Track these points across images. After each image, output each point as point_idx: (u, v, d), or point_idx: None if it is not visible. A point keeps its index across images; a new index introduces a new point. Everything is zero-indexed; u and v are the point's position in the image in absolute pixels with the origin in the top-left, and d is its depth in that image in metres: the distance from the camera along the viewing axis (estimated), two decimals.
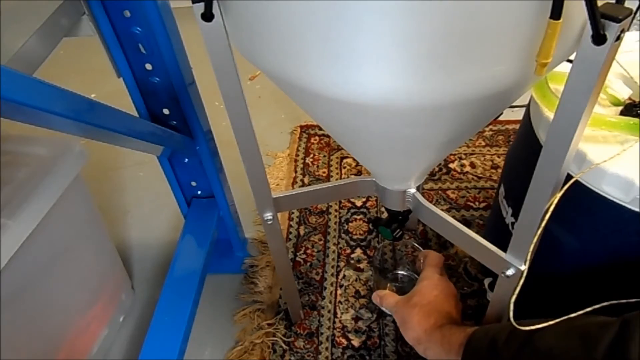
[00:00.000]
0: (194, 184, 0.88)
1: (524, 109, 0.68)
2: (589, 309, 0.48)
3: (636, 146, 0.54)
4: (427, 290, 0.66)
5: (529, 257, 0.50)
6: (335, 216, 1.05)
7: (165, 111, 0.75)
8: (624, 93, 0.58)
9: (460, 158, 1.15)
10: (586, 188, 0.54)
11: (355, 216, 1.04)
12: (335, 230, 1.02)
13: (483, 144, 1.18)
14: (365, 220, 1.04)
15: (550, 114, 0.57)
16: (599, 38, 0.32)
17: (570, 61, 0.36)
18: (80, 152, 0.71)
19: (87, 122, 0.55)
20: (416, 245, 0.81)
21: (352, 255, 0.97)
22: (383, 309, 0.73)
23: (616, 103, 0.59)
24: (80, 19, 0.62)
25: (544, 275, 0.62)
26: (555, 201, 0.45)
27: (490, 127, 1.22)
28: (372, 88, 0.37)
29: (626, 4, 0.33)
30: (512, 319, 0.48)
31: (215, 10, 0.40)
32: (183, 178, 0.87)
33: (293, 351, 0.83)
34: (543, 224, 0.46)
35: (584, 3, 0.31)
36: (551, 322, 0.47)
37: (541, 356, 0.46)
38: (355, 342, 0.84)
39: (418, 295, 0.65)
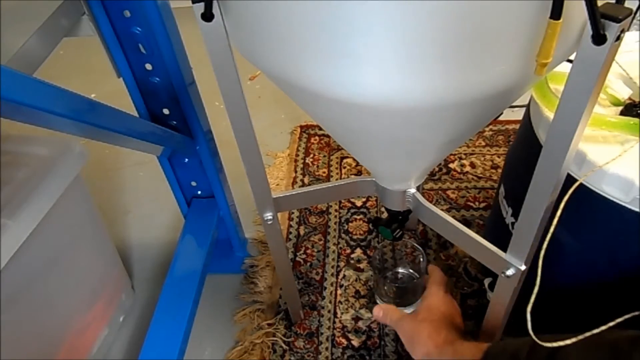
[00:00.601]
0: (194, 184, 0.88)
1: (524, 109, 0.68)
2: (615, 322, 0.45)
3: (636, 146, 0.54)
4: (435, 307, 0.65)
5: (540, 263, 0.48)
6: (335, 216, 1.05)
7: (165, 111, 0.75)
8: (624, 93, 0.58)
9: (460, 158, 1.15)
10: (586, 188, 0.54)
11: (355, 216, 1.04)
12: (335, 230, 1.02)
13: (483, 144, 1.18)
14: (365, 220, 1.03)
15: (550, 114, 0.57)
16: (599, 38, 0.32)
17: (570, 61, 0.36)
18: (80, 152, 0.71)
19: (87, 122, 0.55)
20: (416, 245, 0.81)
21: (352, 255, 0.97)
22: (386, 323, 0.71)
23: (616, 103, 0.59)
24: (80, 19, 0.62)
25: (543, 275, 0.62)
26: (562, 207, 0.45)
27: (490, 127, 1.22)
28: (372, 88, 0.37)
29: (626, 4, 0.33)
30: (531, 333, 0.46)
31: (215, 10, 0.40)
32: (183, 178, 0.87)
33: (293, 351, 0.83)
34: (551, 230, 0.45)
35: (584, 3, 0.31)
36: (575, 340, 0.44)
37: None
38: (355, 342, 0.84)
39: (426, 311, 0.65)
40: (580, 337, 0.44)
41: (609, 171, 0.52)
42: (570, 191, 0.45)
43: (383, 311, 0.70)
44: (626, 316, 0.46)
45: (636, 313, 0.47)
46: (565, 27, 0.32)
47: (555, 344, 0.44)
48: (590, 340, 0.44)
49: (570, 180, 0.53)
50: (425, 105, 0.39)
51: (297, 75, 0.40)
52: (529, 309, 0.47)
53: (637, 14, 0.53)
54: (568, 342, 0.44)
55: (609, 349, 0.42)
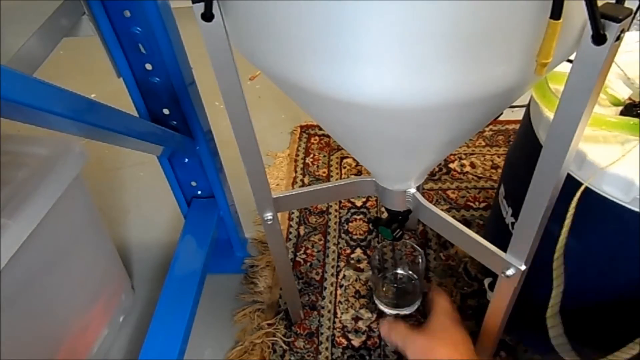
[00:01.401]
0: (194, 184, 0.88)
1: (524, 109, 0.68)
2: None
3: (636, 146, 0.53)
4: (447, 327, 0.62)
5: (554, 274, 0.46)
6: (335, 216, 1.05)
7: (165, 111, 0.75)
8: (624, 93, 0.58)
9: (460, 158, 1.15)
10: (586, 188, 0.54)
11: (355, 216, 1.04)
12: (335, 230, 1.02)
13: (483, 144, 1.18)
14: (365, 220, 1.03)
15: (550, 114, 0.57)
16: (599, 38, 0.32)
17: (570, 61, 0.36)
18: (80, 152, 0.71)
19: (87, 122, 0.55)
20: (415, 245, 0.81)
21: (352, 255, 0.97)
22: (389, 342, 0.68)
23: (616, 103, 0.59)
24: (80, 19, 0.62)
25: (543, 274, 0.62)
26: (571, 213, 0.44)
27: (490, 127, 1.22)
28: (371, 88, 0.37)
29: (626, 4, 0.33)
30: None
31: (215, 10, 0.40)
32: (183, 178, 0.87)
33: (293, 351, 0.83)
34: (563, 234, 0.44)
35: (584, 3, 0.31)
36: None
37: None
38: (355, 342, 0.84)
39: (435, 327, 0.62)
40: None
41: (609, 171, 0.51)
42: (576, 196, 0.45)
43: (389, 325, 0.66)
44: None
45: None
46: (565, 27, 0.32)
47: None
48: None
49: (570, 180, 0.53)
50: (425, 105, 0.39)
51: (297, 75, 0.40)
52: (548, 313, 0.44)
53: (637, 14, 0.53)
54: None
55: None
